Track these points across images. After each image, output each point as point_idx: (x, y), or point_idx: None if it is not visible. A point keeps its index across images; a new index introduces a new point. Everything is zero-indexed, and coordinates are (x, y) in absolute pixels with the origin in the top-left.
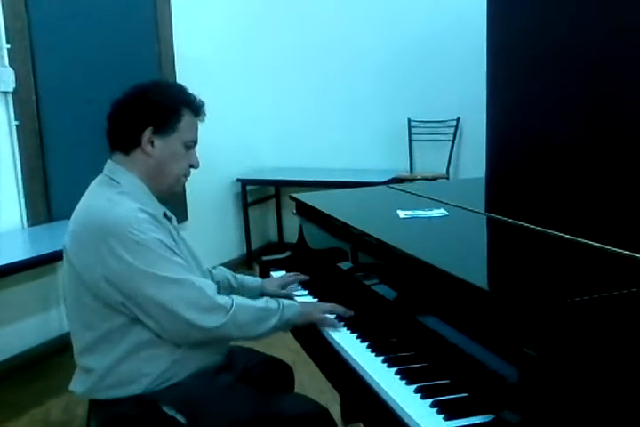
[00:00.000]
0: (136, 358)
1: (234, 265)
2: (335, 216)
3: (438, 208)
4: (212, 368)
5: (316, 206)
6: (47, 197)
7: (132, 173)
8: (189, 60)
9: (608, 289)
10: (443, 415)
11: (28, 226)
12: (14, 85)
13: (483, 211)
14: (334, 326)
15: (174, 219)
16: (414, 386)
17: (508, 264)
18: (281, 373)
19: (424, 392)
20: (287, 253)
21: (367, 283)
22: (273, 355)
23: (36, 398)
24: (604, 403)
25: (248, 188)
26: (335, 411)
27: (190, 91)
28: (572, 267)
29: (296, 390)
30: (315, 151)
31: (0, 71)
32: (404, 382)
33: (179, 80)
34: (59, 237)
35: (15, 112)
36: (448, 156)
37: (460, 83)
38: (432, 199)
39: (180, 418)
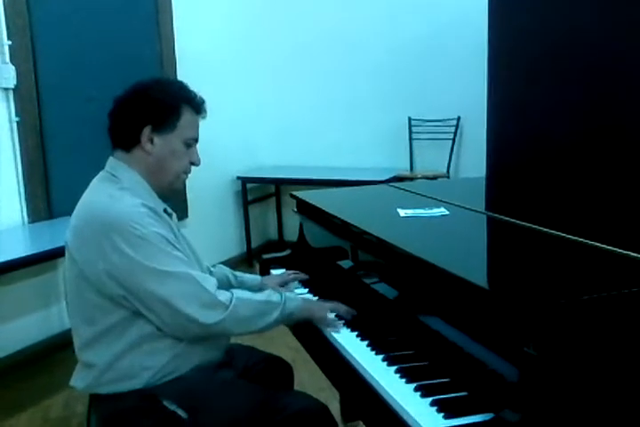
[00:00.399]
0: (137, 351)
1: (234, 263)
2: (335, 214)
3: (438, 207)
4: (212, 364)
5: (317, 205)
6: (48, 194)
7: (132, 169)
8: (190, 57)
9: (608, 289)
10: (442, 414)
11: (29, 223)
12: (15, 82)
13: (483, 210)
14: (334, 327)
15: (175, 216)
16: (414, 384)
17: (509, 263)
18: (281, 371)
19: (424, 391)
20: (287, 252)
21: (367, 281)
22: (273, 353)
23: (36, 395)
24: (603, 402)
25: (248, 186)
26: (335, 409)
27: (191, 88)
28: (572, 266)
29: (296, 388)
30: (315, 150)
31: (1, 68)
32: (403, 380)
33: (180, 78)
34: (59, 233)
35: (16, 109)
36: (448, 155)
37: (460, 82)
38: (432, 198)
39: (180, 413)
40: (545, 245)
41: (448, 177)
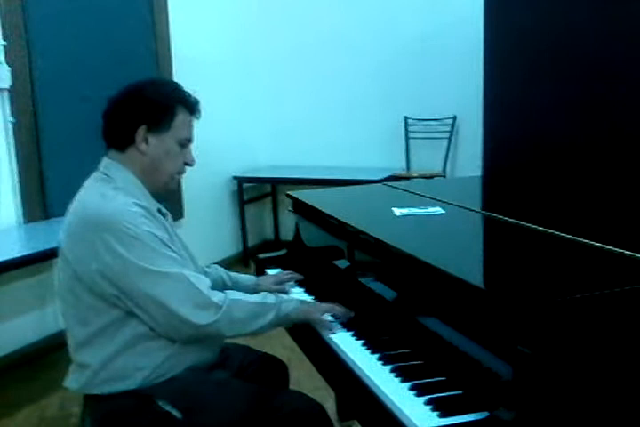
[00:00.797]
0: (131, 352)
1: (230, 263)
2: (331, 214)
3: (434, 206)
4: (207, 364)
5: (313, 204)
6: (43, 194)
7: (127, 169)
8: (186, 57)
9: (602, 287)
10: (437, 413)
11: (24, 223)
12: (10, 82)
13: (479, 209)
14: (330, 330)
15: (170, 215)
16: (409, 383)
17: (504, 262)
18: (276, 370)
19: (419, 390)
20: (283, 251)
21: (363, 281)
22: (268, 352)
23: (31, 395)
24: (597, 400)
25: (244, 185)
26: (330, 408)
27: (186, 89)
28: (567, 265)
29: (291, 388)
30: (311, 149)
31: None
32: (398, 379)
33: (175, 78)
34: (55, 233)
35: (11, 109)
36: (444, 154)
37: (456, 81)
38: (428, 197)
39: (175, 413)
40: (540, 244)
41: (444, 176)
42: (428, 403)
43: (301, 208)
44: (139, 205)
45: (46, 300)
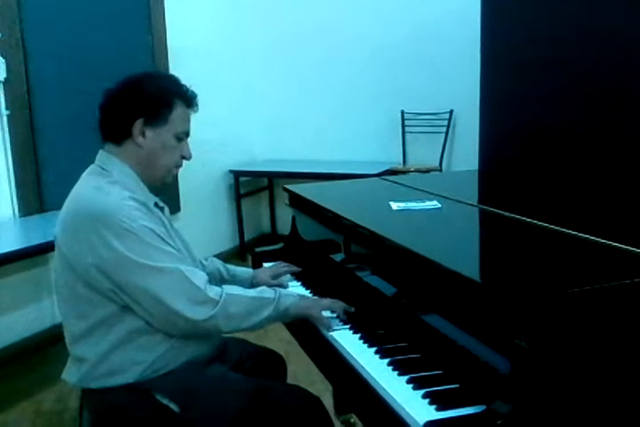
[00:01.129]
0: (129, 346)
1: (226, 256)
2: (328, 208)
3: (431, 200)
4: (205, 358)
5: (310, 198)
6: (39, 188)
7: (123, 163)
8: (182, 50)
9: (600, 281)
10: (434, 406)
11: (20, 216)
12: (5, 75)
13: (475, 203)
14: (330, 328)
15: (167, 209)
16: (406, 377)
17: (501, 256)
18: (273, 363)
19: (416, 383)
20: (280, 245)
21: (360, 275)
22: (266, 346)
23: (28, 389)
24: (594, 394)
25: (241, 179)
26: (327, 402)
27: (183, 82)
28: (564, 259)
29: (288, 381)
30: (308, 143)
31: None
32: (396, 372)
33: (171, 71)
34: (50, 227)
35: (6, 102)
36: (441, 148)
37: (453, 75)
38: (425, 191)
39: (173, 407)
40: (537, 238)
41: (441, 170)
42: (425, 396)
43: (298, 202)
44: (135, 199)
45: (42, 293)
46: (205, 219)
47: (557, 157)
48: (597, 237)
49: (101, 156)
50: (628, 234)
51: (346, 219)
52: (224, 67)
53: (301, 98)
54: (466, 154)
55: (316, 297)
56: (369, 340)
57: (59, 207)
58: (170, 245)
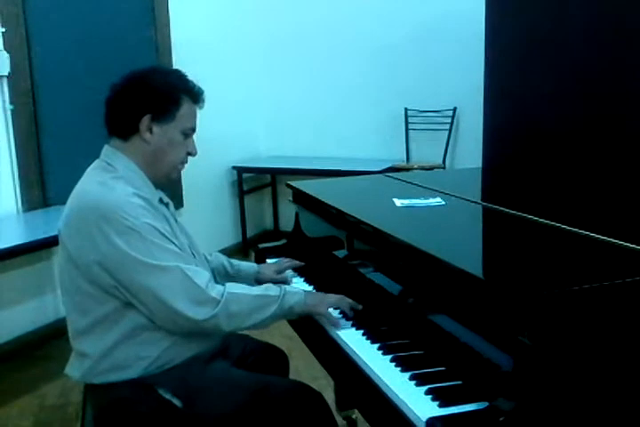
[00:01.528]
0: (132, 342)
1: (229, 252)
2: (332, 204)
3: (435, 197)
4: (208, 353)
5: (313, 194)
6: (42, 183)
7: (129, 158)
8: (186, 45)
9: (603, 279)
10: (437, 402)
11: (24, 211)
12: (9, 69)
13: (479, 200)
14: (337, 325)
15: (171, 204)
16: (409, 373)
17: (504, 253)
18: (276, 359)
19: (419, 380)
20: (283, 241)
21: (363, 271)
22: (268, 341)
23: (31, 383)
24: (596, 391)
25: (244, 175)
26: (329, 397)
27: (189, 78)
28: (567, 256)
29: (291, 377)
30: (312, 140)
31: None
32: (399, 369)
33: (175, 65)
34: (54, 222)
35: (10, 96)
36: (444, 145)
37: (457, 73)
38: (428, 188)
39: (175, 402)
40: (540, 235)
41: (444, 168)
42: (428, 393)
43: (301, 198)
44: (139, 196)
45: (45, 288)
46: (208, 215)
47: (561, 154)
48: (600, 234)
49: (107, 151)
50: (631, 232)
51: (349, 215)
52: (228, 63)
53: (305, 94)
54: (469, 151)
55: (322, 293)
56: (372, 336)
57: (62, 202)
58: (173, 243)
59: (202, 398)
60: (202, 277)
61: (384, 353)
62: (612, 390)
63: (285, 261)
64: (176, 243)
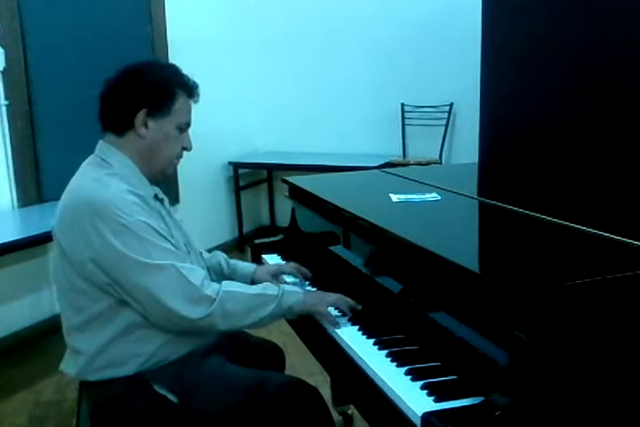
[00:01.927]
0: (126, 339)
1: (225, 248)
2: (328, 200)
3: (431, 192)
4: (203, 349)
5: (309, 190)
6: (38, 178)
7: (123, 154)
8: (182, 40)
9: (598, 274)
10: (433, 397)
11: (19, 207)
12: (4, 65)
13: (475, 195)
14: (336, 324)
15: (166, 200)
16: (405, 368)
17: (500, 248)
18: (272, 355)
19: (414, 375)
20: (279, 237)
21: (359, 267)
22: (264, 337)
23: (27, 379)
24: (593, 386)
25: (240, 171)
26: (325, 393)
27: (184, 72)
28: (563, 252)
29: (287, 373)
30: (308, 135)
31: None
32: (394, 364)
33: (171, 61)
34: (49, 218)
35: (5, 92)
36: (441, 141)
37: (454, 68)
38: (425, 184)
39: (171, 397)
40: (536, 231)
41: (440, 163)
42: (423, 387)
43: (298, 194)
44: (133, 193)
45: (42, 283)
46: (204, 211)
47: (556, 149)
48: (597, 229)
49: (101, 146)
50: (627, 227)
51: (346, 211)
52: (224, 58)
53: (301, 90)
54: (466, 147)
55: (321, 292)
56: (367, 331)
57: (58, 197)
58: (168, 240)
59: (197, 394)
60: (197, 275)
61: (380, 348)
62: (607, 385)
63: (288, 266)
64: (171, 241)
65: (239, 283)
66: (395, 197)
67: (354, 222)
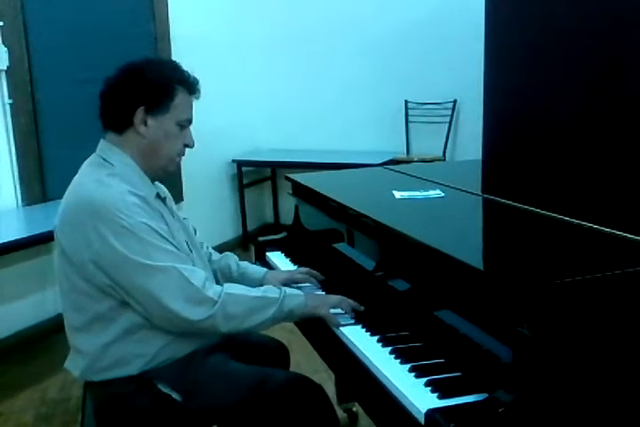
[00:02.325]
0: (128, 340)
1: (229, 247)
2: (331, 197)
3: (434, 189)
4: (207, 347)
5: (313, 187)
6: (42, 177)
7: (124, 153)
8: (185, 38)
9: (602, 270)
10: (437, 394)
11: (23, 206)
12: (7, 63)
13: (479, 192)
14: (338, 325)
15: (169, 198)
16: (409, 365)
17: (504, 245)
18: (276, 352)
19: (418, 371)
20: (283, 234)
21: (363, 264)
22: (268, 335)
23: (33, 377)
24: (597, 382)
25: (244, 169)
26: (330, 391)
27: (184, 68)
28: (567, 248)
29: (291, 370)
30: (311, 133)
31: None
32: (398, 361)
33: (174, 59)
34: (53, 216)
35: (9, 90)
36: (445, 138)
37: (457, 65)
38: (428, 180)
39: (175, 396)
40: (540, 227)
41: (444, 160)
42: (427, 384)
43: (301, 191)
44: (134, 194)
45: (46, 282)
46: (208, 209)
47: (560, 146)
48: (601, 225)
49: (102, 145)
50: (631, 223)
51: (349, 208)
52: (227, 56)
53: (305, 87)
54: (469, 144)
55: (323, 294)
56: (371, 328)
57: (62, 196)
58: (169, 241)
59: (201, 392)
60: (198, 276)
61: (383, 345)
62: (611, 382)
63: (298, 272)
64: (172, 242)
65: (241, 285)
66: (398, 195)
67: (357, 220)
